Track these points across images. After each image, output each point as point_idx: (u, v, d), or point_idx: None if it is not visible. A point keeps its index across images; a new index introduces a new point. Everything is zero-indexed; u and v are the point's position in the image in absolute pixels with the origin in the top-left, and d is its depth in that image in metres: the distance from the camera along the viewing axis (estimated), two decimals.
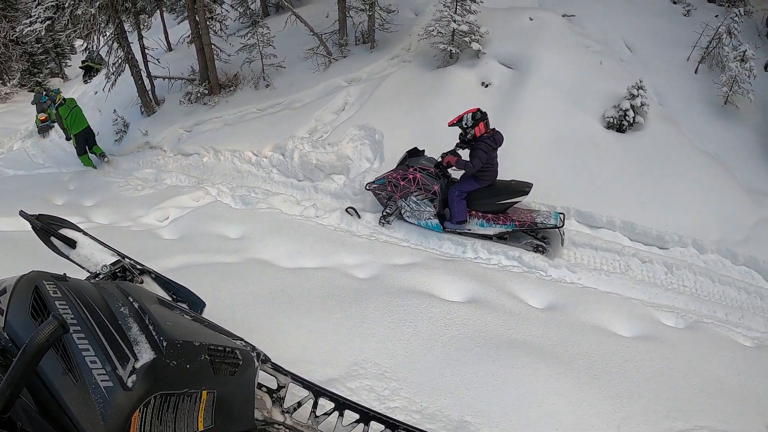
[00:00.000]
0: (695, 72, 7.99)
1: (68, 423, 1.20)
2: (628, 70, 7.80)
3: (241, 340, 2.06)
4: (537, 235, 5.40)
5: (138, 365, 1.40)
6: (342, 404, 2.36)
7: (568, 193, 5.72)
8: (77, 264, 2.69)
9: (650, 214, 5.51)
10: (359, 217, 6.15)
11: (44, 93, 10.72)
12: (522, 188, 5.42)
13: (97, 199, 7.58)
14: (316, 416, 2.42)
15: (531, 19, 8.41)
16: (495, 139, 5.43)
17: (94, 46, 10.82)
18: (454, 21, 7.78)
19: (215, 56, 10.30)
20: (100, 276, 2.49)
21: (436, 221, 5.69)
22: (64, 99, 9.97)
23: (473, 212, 5.60)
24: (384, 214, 6.01)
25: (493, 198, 5.47)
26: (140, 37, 10.99)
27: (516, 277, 4.51)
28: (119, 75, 10.88)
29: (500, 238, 5.55)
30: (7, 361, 1.32)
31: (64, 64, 26.04)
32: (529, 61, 7.52)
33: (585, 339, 3.54)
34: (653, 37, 8.68)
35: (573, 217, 5.49)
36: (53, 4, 9.90)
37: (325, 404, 2.36)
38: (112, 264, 2.62)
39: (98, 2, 9.37)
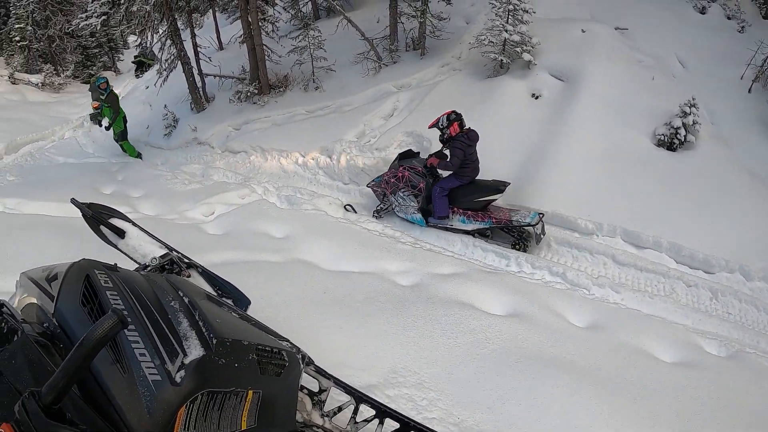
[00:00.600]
0: (749, 91, 7.80)
1: (114, 414, 1.20)
2: (680, 86, 7.67)
3: (287, 341, 2.05)
4: (516, 234, 5.70)
5: (187, 361, 1.39)
6: (383, 412, 2.33)
7: (614, 211, 5.66)
8: (125, 254, 2.71)
9: (697, 237, 5.39)
10: (355, 212, 6.69)
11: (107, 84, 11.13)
12: (498, 187, 5.77)
13: (145, 190, 7.75)
14: (356, 422, 2.39)
15: (583, 31, 8.35)
16: (470, 137, 5.81)
17: (147, 43, 11.21)
18: (506, 31, 7.78)
19: (266, 57, 10.52)
20: (149, 268, 2.50)
21: (419, 216, 6.12)
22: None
23: (455, 209, 5.96)
24: (378, 208, 6.56)
25: (472, 196, 5.83)
26: (193, 35, 11.30)
27: (559, 294, 4.50)
28: (171, 71, 11.21)
29: (483, 235, 5.88)
30: (55, 347, 1.34)
31: (116, 58, 26.94)
32: (580, 73, 7.47)
33: (626, 361, 3.53)
34: (706, 54, 8.51)
35: (619, 236, 5.43)
36: (109, 0, 10.29)
37: (366, 411, 2.36)
38: (161, 256, 2.64)
39: (153, 0, 9.68)
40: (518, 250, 5.57)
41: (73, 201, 2.92)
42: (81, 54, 24.09)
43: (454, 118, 5.85)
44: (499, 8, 7.90)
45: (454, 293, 4.25)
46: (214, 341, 1.51)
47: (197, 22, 12.18)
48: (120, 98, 17.17)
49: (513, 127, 6.98)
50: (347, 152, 7.43)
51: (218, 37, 14.68)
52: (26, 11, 22.09)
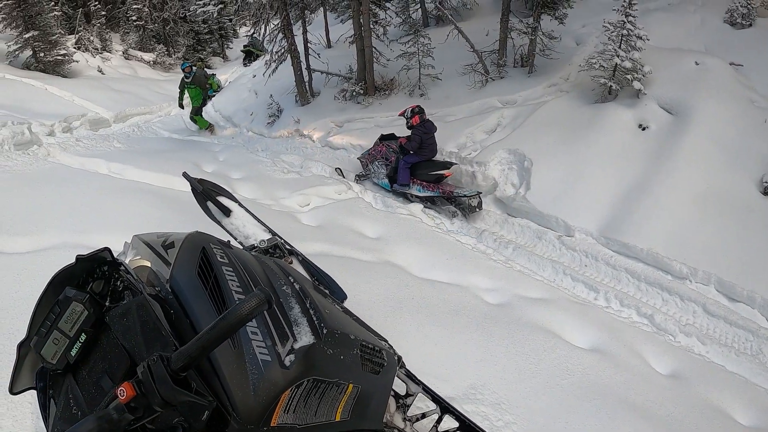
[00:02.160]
0: None
1: (218, 386, 1.21)
2: None
3: (386, 341, 2.04)
4: (454, 204, 7.08)
5: (297, 346, 1.40)
6: (467, 426, 2.31)
7: (711, 257, 5.53)
8: (228, 232, 2.77)
9: None
10: (343, 176, 8.38)
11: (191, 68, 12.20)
12: (447, 165, 7.37)
13: (244, 173, 8.07)
14: None
15: (697, 64, 8.06)
16: (426, 127, 7.39)
17: (259, 34, 11.83)
18: (618, 56, 7.65)
19: (374, 59, 10.86)
20: (255, 249, 2.52)
21: (386, 181, 7.83)
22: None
23: (414, 180, 7.44)
24: (359, 173, 8.38)
25: (427, 170, 7.33)
26: (304, 31, 11.85)
27: (644, 336, 4.51)
28: (281, 63, 11.77)
29: (432, 201, 7.36)
30: (166, 313, 1.36)
31: (226, 45, 28.38)
32: (690, 108, 7.24)
33: (703, 418, 3.54)
34: None
35: (713, 284, 5.31)
36: None
37: (449, 422, 2.36)
38: (268, 240, 2.69)
39: None
40: (455, 217, 7.00)
41: (185, 175, 3.06)
42: (193, 38, 25.52)
43: (417, 111, 7.42)
44: (612, 32, 7.79)
45: (540, 319, 4.34)
46: (325, 331, 1.53)
47: (307, 19, 12.70)
48: (226, 83, 18.22)
49: (616, 156, 6.89)
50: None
51: (327, 35, 15.23)
52: None
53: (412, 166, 7.44)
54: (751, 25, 9.83)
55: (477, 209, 6.93)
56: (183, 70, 12.09)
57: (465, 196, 6.90)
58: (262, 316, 1.41)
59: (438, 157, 7.76)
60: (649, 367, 4.08)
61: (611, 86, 7.82)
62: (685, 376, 4.05)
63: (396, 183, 7.63)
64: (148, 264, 1.69)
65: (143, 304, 1.32)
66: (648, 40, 7.86)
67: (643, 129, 7.34)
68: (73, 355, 1.31)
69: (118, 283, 1.45)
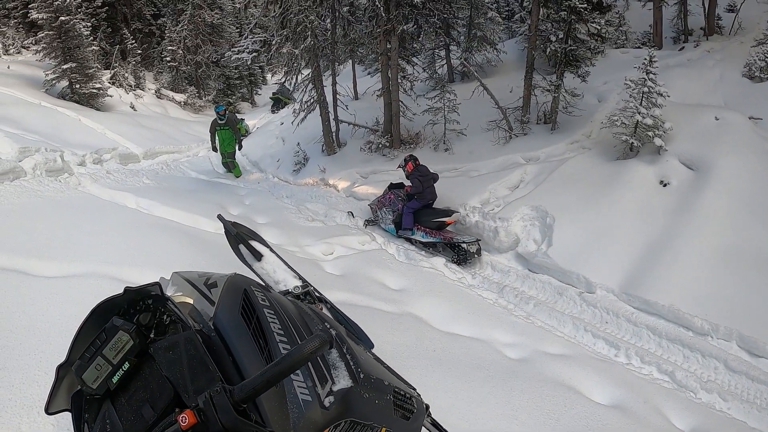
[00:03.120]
0: None
1: (258, 420, 1.23)
2: None
3: (415, 389, 2.06)
4: (456, 250, 7.46)
5: (336, 389, 1.45)
6: None
7: (732, 313, 5.53)
8: (259, 276, 2.79)
9: None
10: (354, 216, 8.92)
11: (226, 110, 12.56)
12: (448, 212, 7.85)
13: (269, 218, 8.24)
14: None
15: (716, 119, 8.20)
16: (420, 170, 8.00)
17: (290, 83, 12.20)
18: (639, 113, 7.80)
19: (401, 113, 11.17)
20: (289, 294, 2.55)
21: (392, 226, 8.27)
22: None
23: (418, 226, 7.88)
24: (367, 219, 8.81)
25: (429, 217, 7.83)
26: (334, 83, 12.23)
27: (665, 393, 4.53)
28: (309, 113, 12.11)
29: (434, 247, 7.82)
30: (209, 350, 1.37)
31: (254, 91, 29.40)
32: (711, 163, 7.33)
33: None
34: None
35: (734, 340, 5.30)
36: (262, 39, 11.46)
37: None
38: (302, 286, 2.74)
39: (302, 45, 10.58)
40: (455, 263, 7.32)
41: (220, 217, 3.12)
42: (223, 83, 26.63)
43: (409, 158, 8.20)
44: (633, 89, 7.97)
45: (560, 374, 4.40)
46: (362, 375, 1.57)
47: (336, 71, 13.21)
48: (254, 129, 18.73)
49: (637, 213, 7.00)
50: (470, 217, 7.84)
51: (354, 87, 15.72)
52: (180, 36, 24.64)
53: (415, 212, 7.94)
54: None
55: (476, 256, 7.33)
56: (218, 113, 12.19)
57: (465, 242, 7.33)
58: None
59: (451, 207, 8.10)
60: (670, 424, 4.10)
61: (632, 143, 7.95)
62: None
63: (401, 229, 8.09)
64: (191, 301, 1.75)
65: (192, 339, 1.37)
66: (668, 96, 8.02)
67: (664, 185, 7.43)
68: (114, 381, 1.35)
69: (165, 317, 1.50)
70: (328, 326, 1.79)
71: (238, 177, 12.77)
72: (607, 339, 5.47)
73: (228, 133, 12.28)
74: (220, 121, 12.14)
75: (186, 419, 1.03)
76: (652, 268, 6.23)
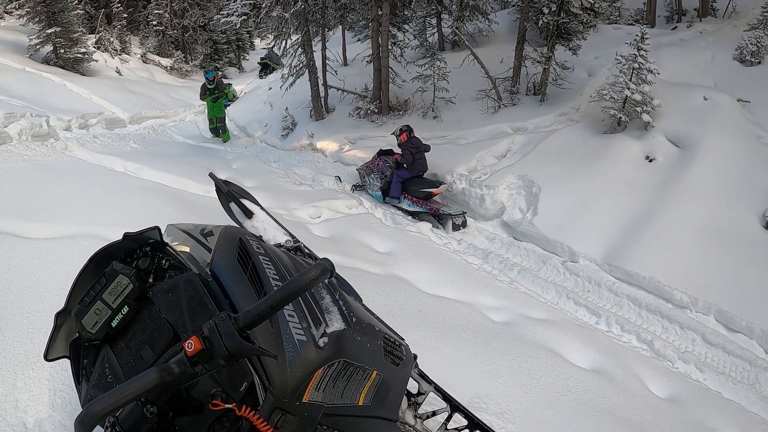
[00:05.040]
0: None
1: (256, 361, 1.27)
2: None
3: (404, 339, 2.11)
4: (439, 220, 7.56)
5: (329, 330, 1.50)
6: (475, 424, 2.45)
7: (711, 288, 5.65)
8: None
9: None
10: (341, 181, 8.87)
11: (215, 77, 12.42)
12: (436, 183, 7.77)
13: (257, 182, 8.22)
14: (447, 429, 2.50)
15: (705, 99, 8.27)
16: (413, 142, 7.94)
17: (278, 48, 12.02)
18: (629, 88, 7.84)
19: (390, 79, 11.05)
20: (281, 248, 2.58)
21: (379, 193, 8.26)
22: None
23: (406, 195, 7.87)
24: (355, 183, 8.77)
25: (418, 186, 7.75)
26: (323, 48, 12.04)
27: (643, 361, 4.61)
28: (298, 78, 11.98)
29: (418, 216, 7.74)
30: (202, 293, 1.40)
31: (242, 56, 28.89)
32: (697, 142, 7.42)
33: None
34: None
35: (712, 314, 5.41)
36: (251, 2, 11.20)
37: (458, 421, 2.49)
38: (294, 241, 2.82)
39: (292, 9, 10.41)
40: (437, 228, 7.33)
41: (212, 175, 3.16)
42: (210, 47, 26.18)
43: (405, 129, 8.07)
44: (624, 65, 7.98)
45: (542, 338, 4.45)
46: (354, 319, 1.63)
47: (326, 37, 13.01)
48: (242, 94, 18.58)
49: (622, 186, 7.06)
50: (456, 184, 7.87)
51: (344, 53, 15.50)
52: (166, 0, 23.92)
53: (404, 181, 7.90)
54: (760, 62, 10.11)
55: (461, 227, 7.34)
56: (207, 78, 12.27)
57: (451, 214, 7.35)
58: (297, 301, 1.50)
59: (439, 177, 8.08)
60: (647, 390, 4.17)
61: (620, 118, 7.99)
62: (681, 400, 4.15)
63: (388, 196, 8.11)
64: (187, 249, 1.79)
65: (192, 280, 1.42)
66: (658, 74, 8.06)
67: (650, 161, 7.51)
68: (113, 326, 1.39)
69: (163, 261, 1.55)
70: None
71: (226, 142, 12.71)
72: (589, 307, 5.54)
73: (218, 100, 12.35)
74: (209, 86, 12.19)
75: (192, 345, 1.05)
76: (634, 241, 6.31)
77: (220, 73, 20.13)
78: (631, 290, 5.82)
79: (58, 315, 1.54)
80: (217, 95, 12.24)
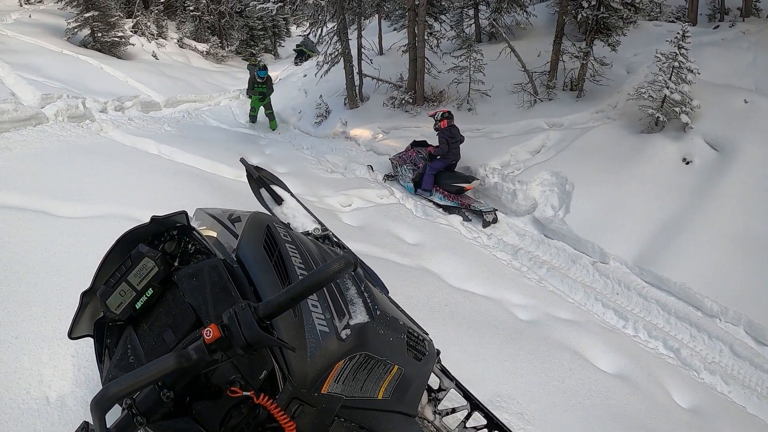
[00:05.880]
0: None
1: (277, 350, 1.28)
2: None
3: (428, 334, 2.09)
4: (466, 215, 7.45)
5: (352, 323, 1.47)
6: (495, 424, 2.46)
7: (743, 298, 5.53)
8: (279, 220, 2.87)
9: None
10: (373, 170, 8.87)
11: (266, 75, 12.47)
12: (469, 179, 7.73)
13: (289, 168, 8.28)
14: (465, 427, 2.49)
15: (746, 102, 8.04)
16: (452, 132, 7.80)
17: (315, 36, 12.03)
18: (668, 87, 7.67)
19: (426, 70, 11.01)
20: (309, 236, 2.55)
21: (411, 184, 8.17)
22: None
23: (438, 188, 7.82)
24: (387, 173, 8.71)
25: (450, 180, 7.71)
26: (359, 36, 12.08)
27: (669, 369, 4.59)
28: (333, 65, 12.00)
29: (449, 210, 7.62)
30: (232, 279, 1.43)
31: (278, 43, 28.95)
32: (736, 146, 7.23)
33: None
34: None
35: (742, 326, 5.31)
36: None
37: (477, 420, 2.49)
38: (322, 230, 2.80)
39: None
40: (467, 221, 7.33)
41: (243, 160, 3.18)
42: (246, 33, 26.20)
43: (447, 116, 7.87)
44: (663, 63, 7.81)
45: (568, 339, 4.47)
46: (378, 312, 1.61)
47: (362, 25, 13.00)
48: (277, 80, 18.85)
49: (657, 188, 6.95)
50: (489, 178, 7.84)
51: (380, 42, 15.43)
52: None
53: (436, 174, 7.83)
54: None
55: (492, 224, 7.23)
56: (260, 77, 12.21)
57: (482, 211, 7.24)
58: (321, 292, 1.49)
59: (472, 170, 8.06)
60: (670, 399, 4.16)
61: (658, 117, 7.82)
62: (705, 412, 4.11)
63: (420, 188, 8.03)
64: (214, 234, 1.82)
65: (216, 266, 1.44)
66: (699, 74, 7.86)
67: (687, 163, 7.35)
68: (137, 307, 1.41)
69: (189, 246, 1.57)
70: None
71: (274, 130, 12.73)
72: (617, 310, 5.51)
73: (266, 95, 12.38)
74: (259, 79, 12.20)
75: (210, 333, 1.05)
76: (667, 245, 6.21)
77: (252, 59, 20.24)
78: (661, 295, 5.76)
79: (84, 294, 1.58)
80: (266, 93, 12.27)
